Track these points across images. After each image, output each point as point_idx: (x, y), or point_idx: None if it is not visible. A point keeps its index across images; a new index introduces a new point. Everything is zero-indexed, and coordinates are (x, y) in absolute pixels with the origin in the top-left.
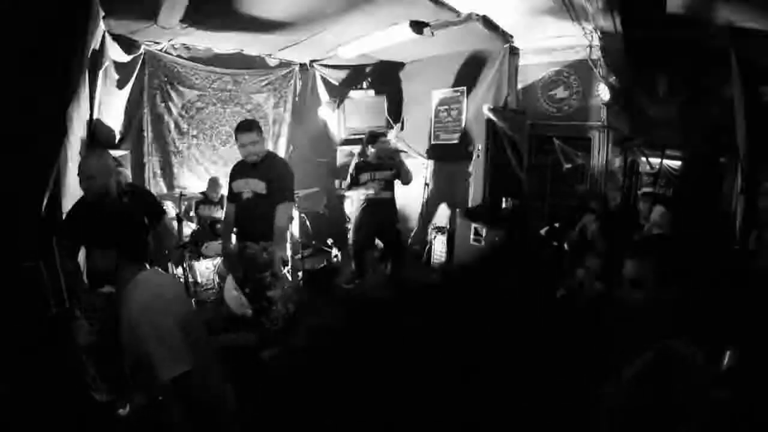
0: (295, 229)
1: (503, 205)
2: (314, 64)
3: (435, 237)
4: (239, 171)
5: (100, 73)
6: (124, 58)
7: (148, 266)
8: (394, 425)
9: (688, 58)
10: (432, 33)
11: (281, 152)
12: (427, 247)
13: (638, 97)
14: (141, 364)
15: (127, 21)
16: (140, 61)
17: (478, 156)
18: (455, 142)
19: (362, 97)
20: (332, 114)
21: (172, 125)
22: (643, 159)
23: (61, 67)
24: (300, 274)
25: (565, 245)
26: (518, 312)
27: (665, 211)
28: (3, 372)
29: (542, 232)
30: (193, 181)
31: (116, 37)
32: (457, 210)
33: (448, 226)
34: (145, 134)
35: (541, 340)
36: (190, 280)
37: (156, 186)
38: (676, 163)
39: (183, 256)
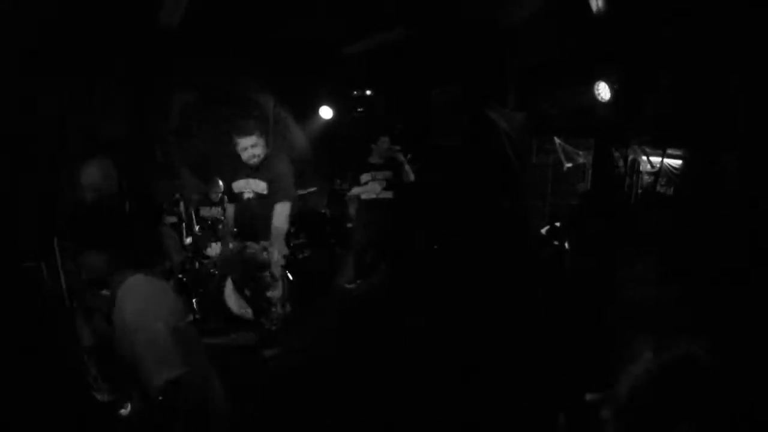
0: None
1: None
2: None
3: None
4: (240, 171)
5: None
6: None
7: (144, 270)
8: (394, 425)
9: (689, 52)
10: None
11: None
12: None
13: (639, 95)
14: (133, 368)
15: None
16: None
17: None
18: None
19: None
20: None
21: (173, 125)
22: (644, 158)
23: (61, 67)
24: (300, 274)
25: (566, 244)
26: (520, 311)
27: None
28: (3, 372)
29: (543, 231)
30: (194, 182)
31: None
32: None
33: None
34: (147, 134)
35: (544, 340)
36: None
37: (157, 186)
38: (676, 162)
39: (185, 261)
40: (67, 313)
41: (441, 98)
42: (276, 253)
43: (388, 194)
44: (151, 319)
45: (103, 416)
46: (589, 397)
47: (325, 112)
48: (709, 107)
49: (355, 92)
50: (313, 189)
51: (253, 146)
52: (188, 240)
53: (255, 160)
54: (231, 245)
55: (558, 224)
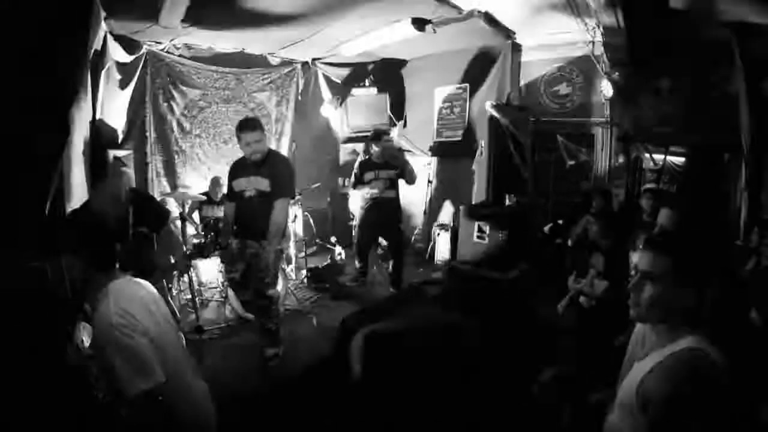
0: (299, 227)
1: (506, 202)
2: (316, 63)
3: (439, 234)
4: (240, 169)
5: (103, 74)
6: (126, 58)
7: (126, 274)
8: (395, 425)
9: (691, 53)
10: (434, 30)
11: (284, 151)
12: (431, 245)
13: (641, 93)
14: (110, 375)
15: (129, 21)
16: (142, 61)
17: (482, 153)
18: (458, 139)
19: (364, 94)
20: (335, 112)
21: (174, 125)
22: (647, 155)
23: (61, 67)
24: (303, 272)
25: (569, 242)
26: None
27: (671, 212)
28: (7, 371)
29: (545, 229)
30: (196, 181)
31: (118, 38)
32: (461, 207)
33: (451, 224)
34: (148, 134)
35: (545, 339)
36: (195, 279)
37: (159, 186)
38: (679, 160)
39: (188, 265)
40: (69, 313)
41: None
42: (273, 249)
43: (392, 193)
44: (126, 328)
45: (104, 416)
46: (594, 397)
47: (327, 111)
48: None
49: (357, 91)
50: (317, 184)
51: (256, 142)
52: (191, 240)
53: (257, 156)
54: (233, 244)
55: (561, 222)
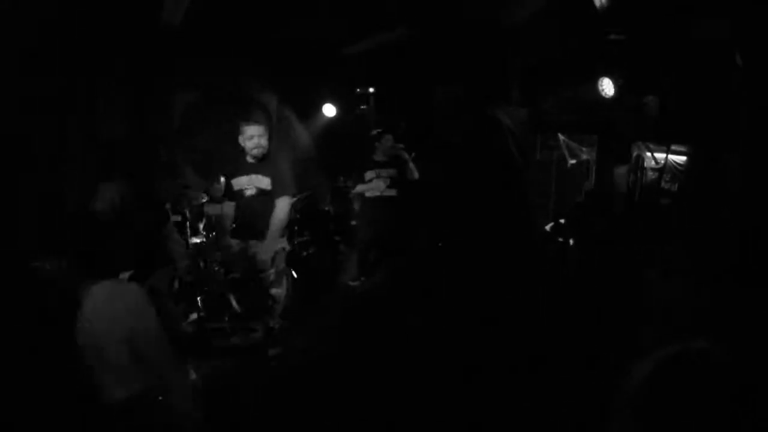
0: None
1: None
2: None
3: None
4: (239, 168)
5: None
6: None
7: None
8: (396, 425)
9: (689, 52)
10: None
11: (284, 150)
12: None
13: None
14: (93, 379)
15: None
16: None
17: None
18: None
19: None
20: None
21: (176, 124)
22: (648, 154)
23: (61, 67)
24: (303, 271)
25: (570, 241)
26: (523, 309)
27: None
28: (7, 372)
29: (547, 228)
30: (198, 181)
31: None
32: None
33: None
34: (150, 134)
35: (546, 338)
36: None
37: (160, 185)
38: (681, 158)
39: (188, 263)
40: (70, 313)
41: (444, 97)
42: (270, 246)
43: (392, 192)
44: (104, 333)
45: (104, 416)
46: (595, 396)
47: (329, 110)
48: (711, 105)
49: (358, 90)
50: (307, 193)
51: (259, 136)
52: (193, 239)
53: (259, 151)
54: (233, 243)
55: (562, 221)
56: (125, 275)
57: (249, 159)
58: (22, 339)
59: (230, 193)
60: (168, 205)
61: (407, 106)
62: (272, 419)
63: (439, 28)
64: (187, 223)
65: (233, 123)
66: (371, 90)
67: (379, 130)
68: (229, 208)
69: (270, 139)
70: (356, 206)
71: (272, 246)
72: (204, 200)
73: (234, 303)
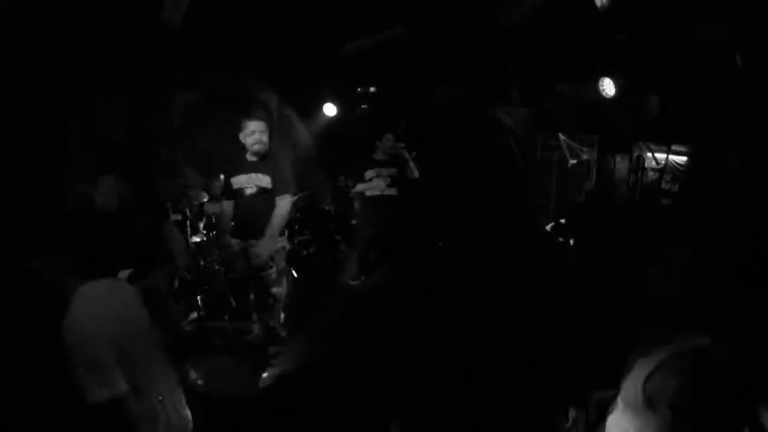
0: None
1: None
2: None
3: None
4: (238, 166)
5: None
6: None
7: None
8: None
9: (689, 52)
10: None
11: (285, 149)
12: None
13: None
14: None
15: None
16: None
17: None
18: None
19: None
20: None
21: (176, 124)
22: (649, 154)
23: (61, 67)
24: (304, 270)
25: (571, 241)
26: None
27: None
28: (5, 372)
29: (548, 228)
30: (198, 180)
31: None
32: None
33: None
34: (150, 134)
35: (547, 338)
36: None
37: (160, 185)
38: (682, 159)
39: (189, 263)
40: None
41: (444, 97)
42: (270, 244)
43: (393, 191)
44: (90, 335)
45: (105, 416)
46: (596, 396)
47: (329, 110)
48: (711, 105)
49: (359, 89)
50: (308, 192)
51: (261, 132)
52: (193, 238)
53: (260, 147)
54: (233, 243)
55: (563, 221)
56: (124, 273)
57: (249, 157)
58: (16, 338)
59: (229, 192)
60: (168, 205)
61: (407, 105)
62: (272, 419)
63: (439, 28)
64: (188, 222)
65: (233, 123)
66: (372, 89)
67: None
68: (228, 206)
69: (270, 138)
70: (356, 205)
71: (272, 244)
72: (204, 199)
73: (233, 302)
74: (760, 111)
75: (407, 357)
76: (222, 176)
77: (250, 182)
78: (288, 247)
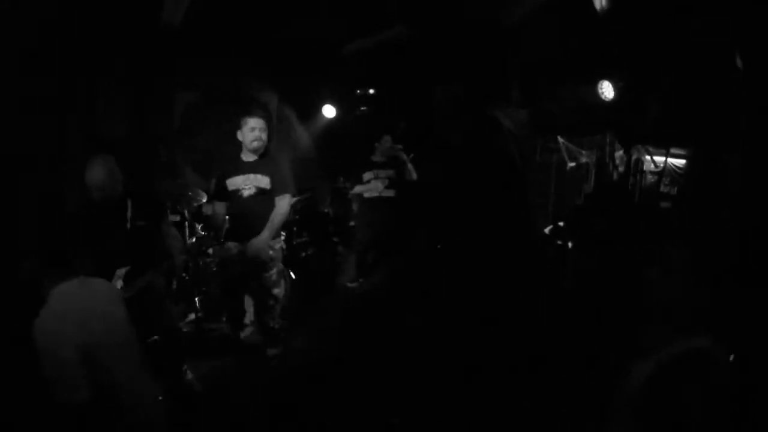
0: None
1: None
2: None
3: None
4: (234, 167)
5: None
6: None
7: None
8: (395, 425)
9: (689, 52)
10: None
11: (285, 150)
12: None
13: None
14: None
15: None
16: None
17: None
18: None
19: None
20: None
21: (176, 124)
22: (648, 157)
23: (61, 67)
24: (302, 272)
25: (570, 244)
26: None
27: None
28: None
29: (546, 231)
30: (197, 181)
31: None
32: None
33: None
34: (149, 134)
35: (546, 340)
36: (194, 275)
37: (160, 185)
38: (680, 162)
39: (187, 261)
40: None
41: (444, 97)
42: (268, 240)
43: (391, 192)
44: (57, 339)
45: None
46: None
47: (328, 111)
48: (711, 106)
49: (358, 91)
50: (308, 195)
51: (260, 129)
52: (191, 239)
53: (259, 144)
54: (231, 245)
55: (561, 224)
56: (122, 272)
57: (247, 157)
58: (23, 339)
59: (222, 193)
60: (168, 205)
61: (407, 106)
62: (271, 420)
63: (439, 28)
64: (186, 223)
65: (233, 123)
66: (371, 91)
67: (378, 131)
68: (220, 207)
69: (270, 139)
70: (355, 207)
71: (270, 239)
72: (204, 200)
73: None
74: (760, 111)
75: (406, 359)
76: (215, 178)
77: (247, 183)
78: (284, 247)
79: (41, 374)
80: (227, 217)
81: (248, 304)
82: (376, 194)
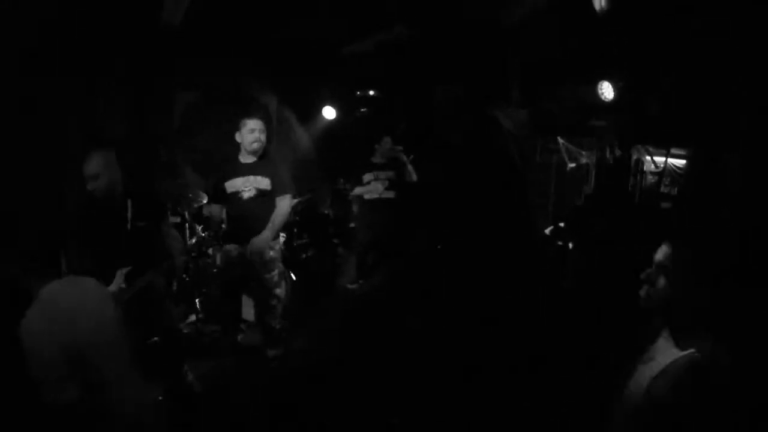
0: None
1: None
2: None
3: None
4: (233, 169)
5: None
6: None
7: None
8: (395, 425)
9: (689, 53)
10: None
11: (285, 152)
12: None
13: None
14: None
15: None
16: None
17: None
18: None
19: None
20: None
21: (176, 125)
22: (648, 157)
23: (61, 67)
24: (302, 274)
25: (570, 245)
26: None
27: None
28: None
29: (547, 231)
30: (197, 181)
31: None
32: None
33: None
34: (150, 134)
35: (546, 340)
36: (194, 276)
37: (160, 185)
38: (681, 162)
39: (188, 262)
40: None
41: (444, 97)
42: (268, 239)
43: (391, 194)
44: (42, 340)
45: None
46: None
47: (328, 113)
48: (711, 106)
49: (358, 92)
50: (308, 196)
51: (260, 131)
52: (191, 240)
53: (258, 145)
54: (231, 247)
55: (562, 225)
56: (123, 272)
57: (245, 159)
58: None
59: (220, 196)
60: (168, 205)
61: (407, 106)
62: (271, 420)
63: (439, 28)
64: (186, 224)
65: (233, 123)
66: (371, 92)
67: (378, 132)
68: (216, 210)
69: (269, 141)
70: (355, 209)
71: (270, 238)
72: (204, 201)
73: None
74: (760, 111)
75: (406, 360)
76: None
77: (247, 185)
78: (283, 248)
79: (28, 374)
80: (224, 219)
81: (249, 305)
82: (376, 196)
